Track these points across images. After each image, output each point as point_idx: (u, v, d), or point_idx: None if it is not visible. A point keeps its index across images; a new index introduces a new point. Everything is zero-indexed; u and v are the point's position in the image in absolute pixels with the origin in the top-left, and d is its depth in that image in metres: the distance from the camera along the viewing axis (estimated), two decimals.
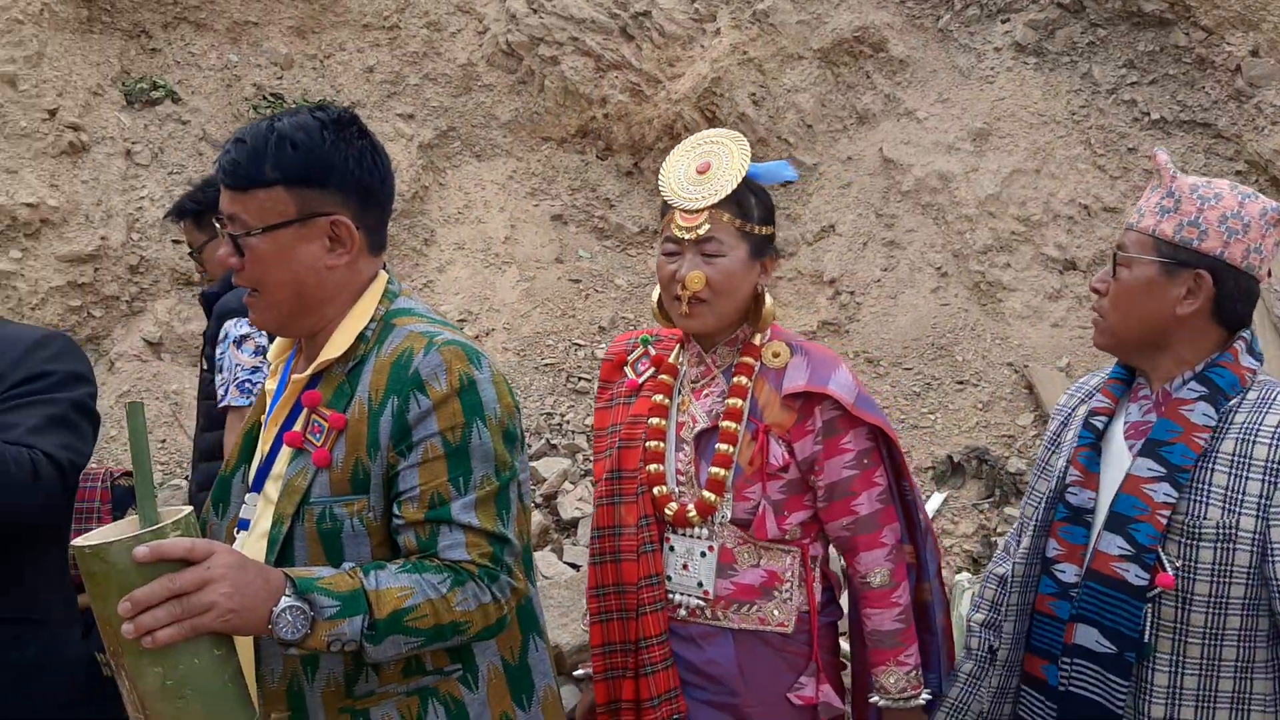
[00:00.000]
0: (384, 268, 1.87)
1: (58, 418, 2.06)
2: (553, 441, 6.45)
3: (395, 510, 1.69)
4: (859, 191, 7.66)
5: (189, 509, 1.51)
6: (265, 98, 8.16)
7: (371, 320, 1.78)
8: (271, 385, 1.91)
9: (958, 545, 5.70)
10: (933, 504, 5.92)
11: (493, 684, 1.81)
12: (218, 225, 1.77)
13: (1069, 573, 2.08)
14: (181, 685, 1.43)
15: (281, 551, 1.70)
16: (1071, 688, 2.03)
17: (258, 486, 1.82)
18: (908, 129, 7.73)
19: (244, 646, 1.72)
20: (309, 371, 1.78)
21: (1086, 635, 2.02)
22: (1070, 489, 2.11)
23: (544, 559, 5.25)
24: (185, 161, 7.64)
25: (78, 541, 1.44)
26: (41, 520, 2.06)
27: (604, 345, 7.24)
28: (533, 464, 6.32)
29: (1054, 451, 2.26)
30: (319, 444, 1.71)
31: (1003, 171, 7.35)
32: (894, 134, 7.75)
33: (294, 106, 1.82)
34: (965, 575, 4.68)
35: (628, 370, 2.52)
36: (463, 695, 1.77)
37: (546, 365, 7.23)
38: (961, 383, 6.59)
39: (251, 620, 1.48)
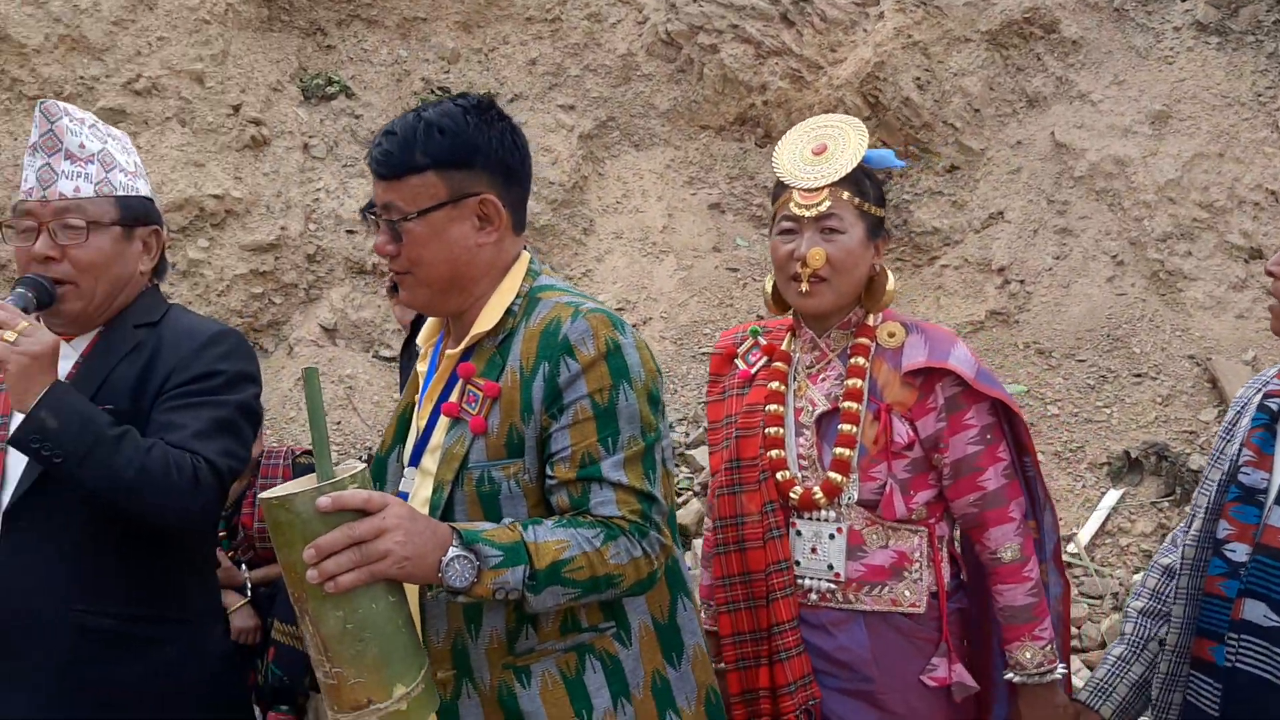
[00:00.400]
0: (525, 248, 1.96)
1: (223, 421, 2.07)
2: None
3: (549, 471, 1.77)
4: (1029, 177, 7.42)
5: (363, 465, 1.60)
6: (433, 91, 8.37)
7: (517, 296, 1.87)
8: (422, 368, 2.00)
9: (1135, 544, 5.48)
10: (1108, 501, 5.70)
11: (644, 641, 1.87)
12: (370, 217, 1.87)
13: (1239, 552, 2.02)
14: (361, 629, 1.51)
15: (443, 516, 1.77)
16: (1239, 664, 1.97)
17: (415, 461, 1.90)
18: (1081, 112, 7.45)
19: (411, 606, 1.76)
20: (462, 346, 1.87)
21: (1254, 610, 1.96)
22: (1243, 469, 2.06)
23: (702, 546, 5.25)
24: (358, 155, 7.91)
25: (265, 494, 1.53)
26: (196, 526, 2.05)
27: None
28: (690, 452, 6.32)
29: (1228, 440, 2.20)
30: (475, 412, 1.80)
31: (1183, 156, 7.01)
32: (1066, 117, 7.47)
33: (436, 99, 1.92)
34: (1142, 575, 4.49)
35: (738, 362, 2.52)
36: (617, 651, 1.84)
37: (704, 354, 7.23)
38: (1139, 376, 6.32)
39: (423, 568, 1.56)
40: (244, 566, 4.20)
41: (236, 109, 7.73)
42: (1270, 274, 2.01)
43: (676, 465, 6.34)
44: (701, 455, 6.24)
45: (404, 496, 1.88)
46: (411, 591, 1.72)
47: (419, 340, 2.05)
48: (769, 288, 2.44)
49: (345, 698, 1.53)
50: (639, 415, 1.78)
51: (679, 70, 8.54)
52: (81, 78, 7.43)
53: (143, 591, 2.05)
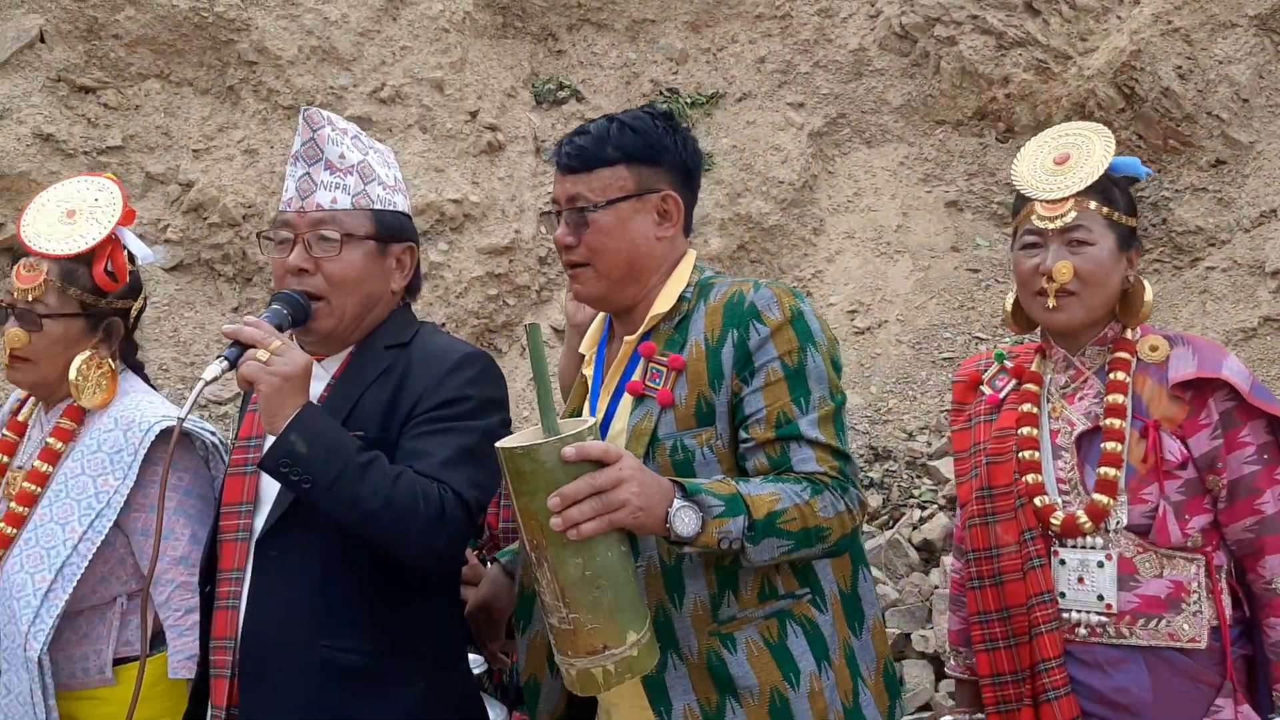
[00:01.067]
0: (691, 249, 2.05)
1: (470, 450, 1.98)
2: None
3: (743, 434, 1.83)
4: None
5: (593, 419, 1.68)
6: (661, 93, 8.35)
7: (688, 285, 1.96)
8: (588, 371, 2.06)
9: None
10: None
11: (834, 608, 1.91)
12: (549, 214, 1.94)
13: None
14: (598, 575, 1.57)
15: None
16: None
17: None
18: None
19: None
20: (641, 329, 1.96)
21: None
22: None
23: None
24: None
25: (505, 442, 1.59)
26: (442, 560, 1.97)
27: (1008, 339, 6.85)
28: (933, 463, 6.07)
29: None
30: (660, 386, 1.87)
31: None
32: None
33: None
34: None
35: (984, 388, 2.44)
36: (816, 616, 1.87)
37: (944, 359, 6.95)
38: None
39: (653, 518, 1.62)
40: (489, 565, 4.23)
41: (474, 115, 7.90)
42: None
43: (918, 476, 6.10)
44: (945, 466, 5.97)
45: None
46: None
47: (581, 348, 2.09)
48: (1009, 305, 2.36)
49: (581, 643, 1.58)
50: (826, 376, 1.85)
51: (914, 64, 8.25)
52: (331, 87, 7.74)
53: (389, 626, 1.98)
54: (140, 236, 7.40)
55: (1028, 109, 7.87)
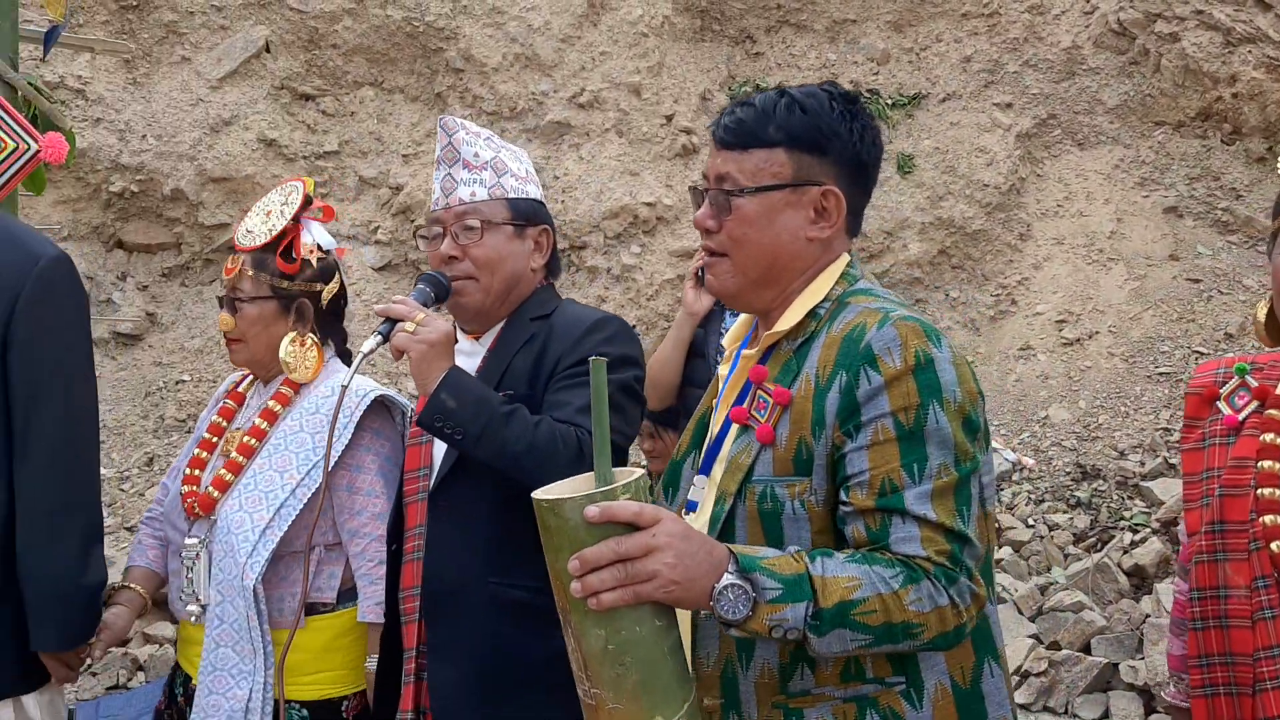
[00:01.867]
0: (848, 253, 1.79)
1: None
2: (1171, 460, 5.79)
3: (842, 496, 1.58)
4: None
5: (640, 472, 1.48)
6: (862, 94, 8.18)
7: (825, 299, 1.70)
8: (724, 370, 1.86)
9: None
10: None
11: (939, 706, 1.63)
12: (696, 191, 1.79)
13: None
14: (622, 652, 1.42)
15: (722, 531, 1.65)
16: None
17: (705, 469, 1.77)
18: None
19: (682, 623, 1.65)
20: (759, 348, 1.74)
21: None
22: None
23: (1168, 590, 4.69)
24: None
25: (537, 493, 1.46)
26: None
27: (1232, 353, 6.39)
28: (1148, 484, 5.71)
29: None
30: (763, 420, 1.65)
31: None
32: None
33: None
34: None
35: (1221, 405, 2.12)
36: (904, 712, 1.61)
37: (1161, 374, 6.54)
38: None
39: (693, 594, 1.44)
40: None
41: (669, 119, 7.92)
42: None
43: (1129, 497, 5.75)
44: (1160, 488, 5.61)
45: (693, 506, 1.76)
46: (685, 611, 1.61)
47: (724, 341, 1.92)
48: (1261, 315, 2.03)
49: None
50: (952, 440, 1.56)
51: (1131, 62, 7.82)
52: (532, 93, 7.90)
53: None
54: (351, 237, 7.71)
55: (1256, 109, 7.35)
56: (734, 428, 1.72)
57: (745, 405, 1.71)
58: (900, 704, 1.62)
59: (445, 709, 2.20)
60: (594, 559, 1.39)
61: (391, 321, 2.12)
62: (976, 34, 8.22)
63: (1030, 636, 5.04)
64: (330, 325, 2.55)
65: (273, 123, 7.86)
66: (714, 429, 1.81)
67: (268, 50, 8.03)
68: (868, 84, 8.23)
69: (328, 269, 2.51)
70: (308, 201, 2.47)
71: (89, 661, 2.39)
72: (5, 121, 2.82)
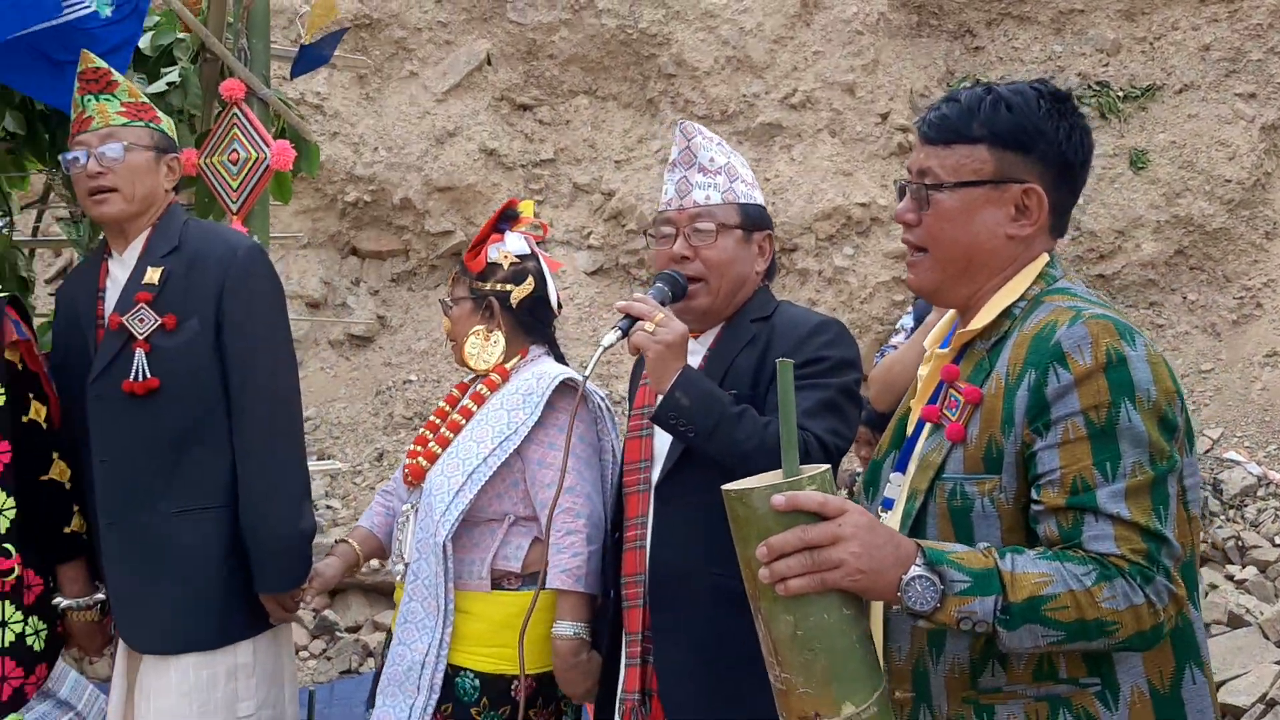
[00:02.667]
0: (1049, 253, 1.77)
1: (828, 402, 2.23)
2: None
3: (1034, 495, 1.59)
4: None
5: (826, 466, 1.54)
6: (1090, 86, 7.81)
7: (1021, 298, 1.70)
8: (924, 370, 1.86)
9: None
10: None
11: (1136, 710, 1.61)
12: (899, 186, 1.81)
13: None
14: (810, 638, 1.46)
15: (914, 528, 1.67)
16: None
17: (901, 467, 1.79)
18: None
19: (874, 618, 1.70)
20: (952, 346, 1.76)
21: None
22: None
23: None
24: None
25: (727, 486, 1.53)
26: None
27: None
28: None
29: None
30: (954, 418, 1.67)
31: None
32: None
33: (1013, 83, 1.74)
34: None
35: None
36: (1099, 714, 1.60)
37: None
38: None
39: (880, 584, 1.47)
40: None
41: (884, 117, 7.77)
42: None
43: None
44: None
45: (889, 503, 1.78)
46: (876, 606, 1.67)
47: (926, 343, 1.91)
48: None
49: (793, 706, 1.50)
50: (1146, 439, 1.55)
51: None
52: (744, 95, 7.90)
53: None
54: (565, 243, 7.89)
55: None
56: (926, 426, 1.75)
57: (937, 404, 1.72)
58: (1095, 705, 1.60)
59: (671, 692, 2.32)
60: (780, 546, 1.45)
61: (631, 318, 2.22)
62: (1216, 20, 7.72)
63: (1276, 662, 4.68)
64: (531, 325, 2.71)
65: (493, 133, 8.13)
66: (910, 428, 1.83)
67: (489, 63, 8.32)
68: (1097, 76, 7.85)
69: (520, 273, 2.68)
70: (505, 213, 2.69)
71: (302, 605, 2.67)
72: (251, 134, 3.02)
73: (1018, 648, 1.53)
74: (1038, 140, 1.69)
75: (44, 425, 2.53)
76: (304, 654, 5.58)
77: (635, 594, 2.38)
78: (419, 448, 2.70)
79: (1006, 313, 1.70)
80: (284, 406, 2.60)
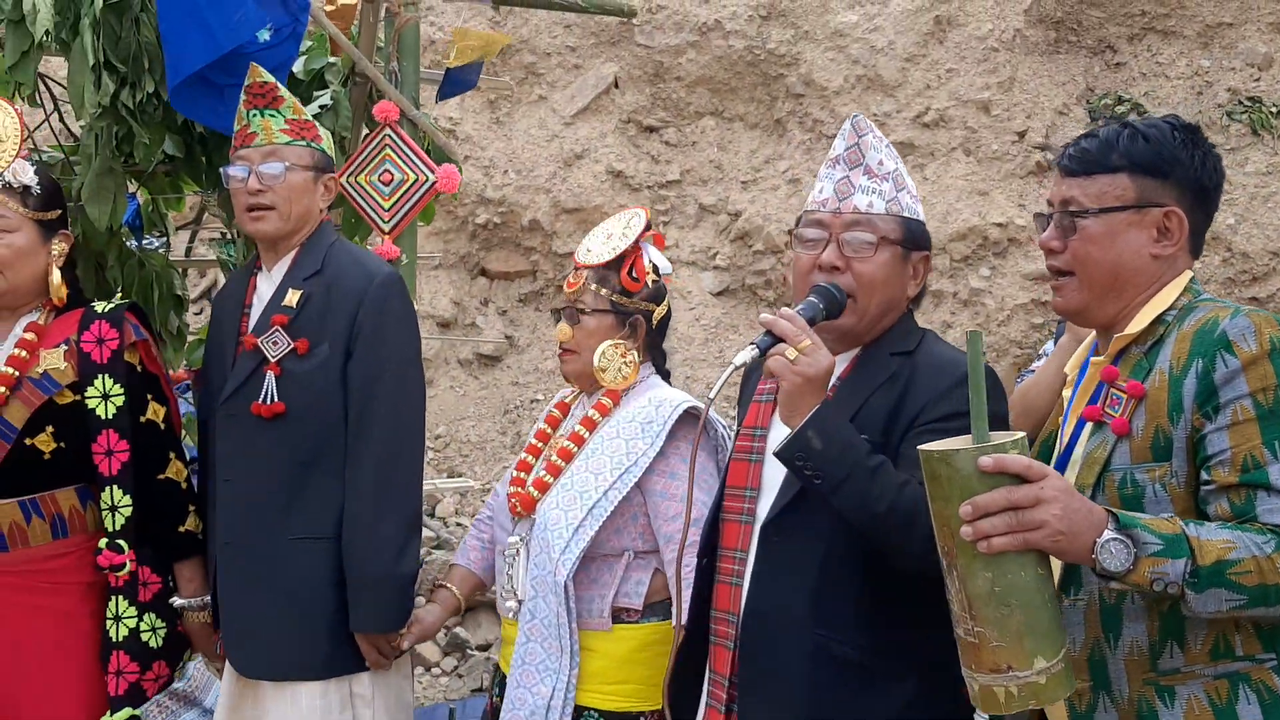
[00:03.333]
0: (1190, 270, 1.91)
1: None
2: None
3: (1204, 475, 1.69)
4: None
5: (1022, 434, 1.60)
6: (1240, 102, 7.50)
7: (1172, 307, 1.82)
8: (1067, 393, 1.97)
9: None
10: None
11: None
12: (1041, 218, 1.89)
13: None
14: (1007, 594, 1.54)
15: None
16: None
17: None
18: None
19: None
20: (1110, 352, 1.84)
21: None
22: None
23: None
24: None
25: (924, 446, 1.59)
26: (935, 573, 2.01)
27: None
28: None
29: None
30: (1117, 414, 1.77)
31: None
32: None
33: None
34: None
35: None
36: (1278, 686, 1.68)
37: None
38: None
39: (1076, 546, 1.55)
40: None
41: (1021, 135, 7.58)
42: None
43: None
44: None
45: None
46: None
47: (1066, 369, 2.02)
48: None
49: (984, 659, 1.57)
50: None
51: None
52: (875, 114, 7.78)
53: (882, 623, 2.01)
54: (691, 263, 7.86)
55: None
56: (1087, 427, 1.84)
57: (1099, 404, 1.82)
58: (1274, 679, 1.68)
59: None
60: (986, 504, 1.52)
61: (772, 336, 1.97)
62: None
63: None
64: (654, 345, 2.63)
65: (620, 155, 8.17)
66: (1063, 440, 1.91)
67: (616, 86, 8.37)
68: (1248, 92, 7.53)
69: (660, 291, 2.60)
70: (648, 226, 2.59)
71: (400, 651, 2.55)
72: (407, 155, 3.05)
73: (1202, 611, 1.60)
74: (1175, 167, 1.82)
75: (162, 425, 2.56)
76: (435, 670, 5.63)
77: (726, 633, 2.15)
78: (523, 474, 2.58)
79: (1159, 319, 1.81)
80: (402, 442, 2.53)
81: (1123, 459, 1.75)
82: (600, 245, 2.60)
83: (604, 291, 2.53)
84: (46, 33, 2.67)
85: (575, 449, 2.51)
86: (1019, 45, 7.82)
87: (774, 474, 2.11)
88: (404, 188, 3.06)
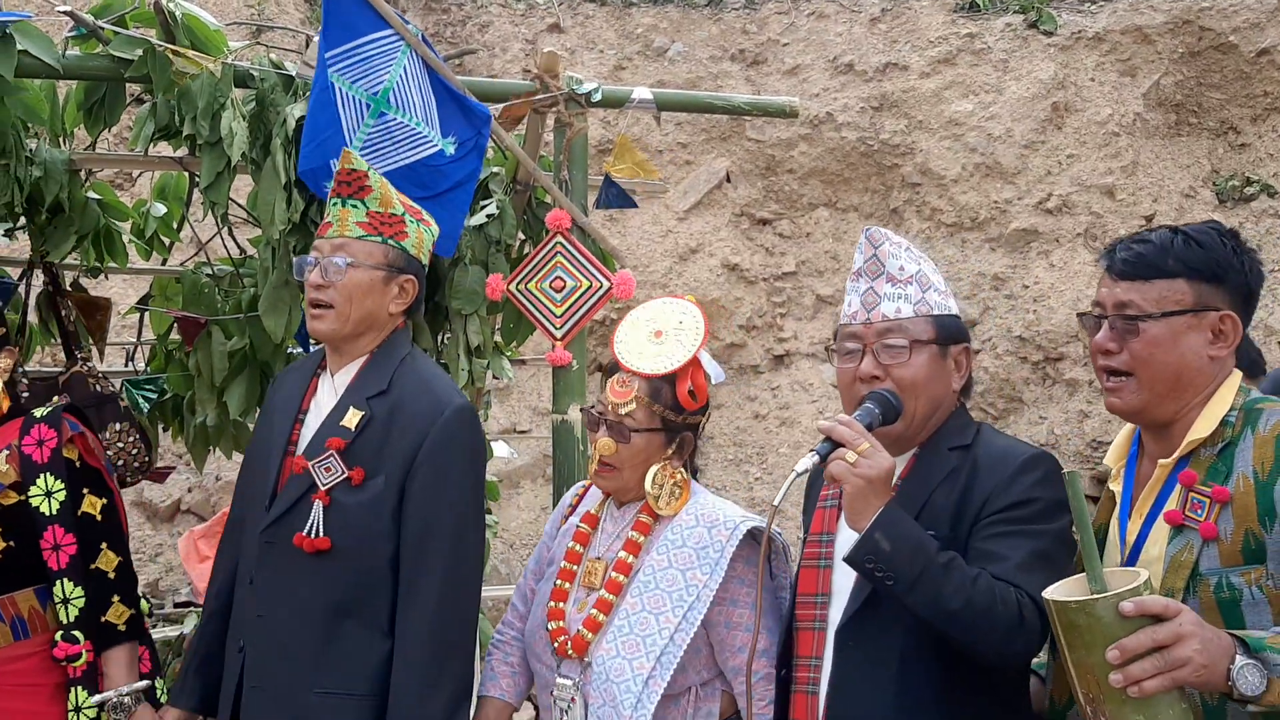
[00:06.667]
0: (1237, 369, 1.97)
1: (1043, 554, 2.01)
2: None
3: None
4: None
5: (1145, 573, 1.63)
6: None
7: (1231, 410, 1.87)
8: (1115, 487, 2.02)
9: None
10: None
11: None
12: (1088, 318, 1.97)
13: None
14: None
15: None
16: None
17: None
18: None
19: None
20: (1177, 454, 1.89)
21: None
22: None
23: None
24: None
25: (1054, 594, 1.63)
26: (1013, 665, 2.04)
27: None
28: None
29: None
30: (1202, 518, 1.80)
31: None
32: None
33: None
34: None
35: None
36: None
37: None
38: None
39: (1214, 676, 1.58)
40: None
41: (1149, 219, 7.44)
42: None
43: None
44: None
45: None
46: None
47: (1108, 460, 2.07)
48: None
49: None
50: None
51: None
52: (995, 202, 7.72)
53: (962, 717, 2.03)
54: (810, 355, 7.76)
55: None
56: (1160, 529, 1.88)
57: (1179, 508, 1.85)
58: None
59: None
60: (1134, 648, 1.55)
61: (832, 442, 1.97)
62: None
63: None
64: (693, 454, 2.44)
65: (734, 248, 8.20)
66: (1127, 539, 1.95)
67: (729, 180, 8.43)
68: None
69: (708, 401, 2.40)
70: (705, 329, 2.38)
71: None
72: (579, 262, 3.07)
73: None
74: (1228, 272, 1.89)
75: (98, 518, 2.56)
76: None
77: None
78: (560, 604, 2.35)
79: (1223, 422, 1.87)
80: (458, 594, 2.31)
81: (1212, 562, 1.79)
82: (649, 347, 2.37)
83: (656, 408, 2.31)
84: (242, 155, 2.75)
85: (623, 580, 2.32)
86: (1139, 129, 7.73)
87: (844, 579, 2.12)
88: (576, 294, 3.07)
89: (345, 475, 2.29)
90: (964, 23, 8.23)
